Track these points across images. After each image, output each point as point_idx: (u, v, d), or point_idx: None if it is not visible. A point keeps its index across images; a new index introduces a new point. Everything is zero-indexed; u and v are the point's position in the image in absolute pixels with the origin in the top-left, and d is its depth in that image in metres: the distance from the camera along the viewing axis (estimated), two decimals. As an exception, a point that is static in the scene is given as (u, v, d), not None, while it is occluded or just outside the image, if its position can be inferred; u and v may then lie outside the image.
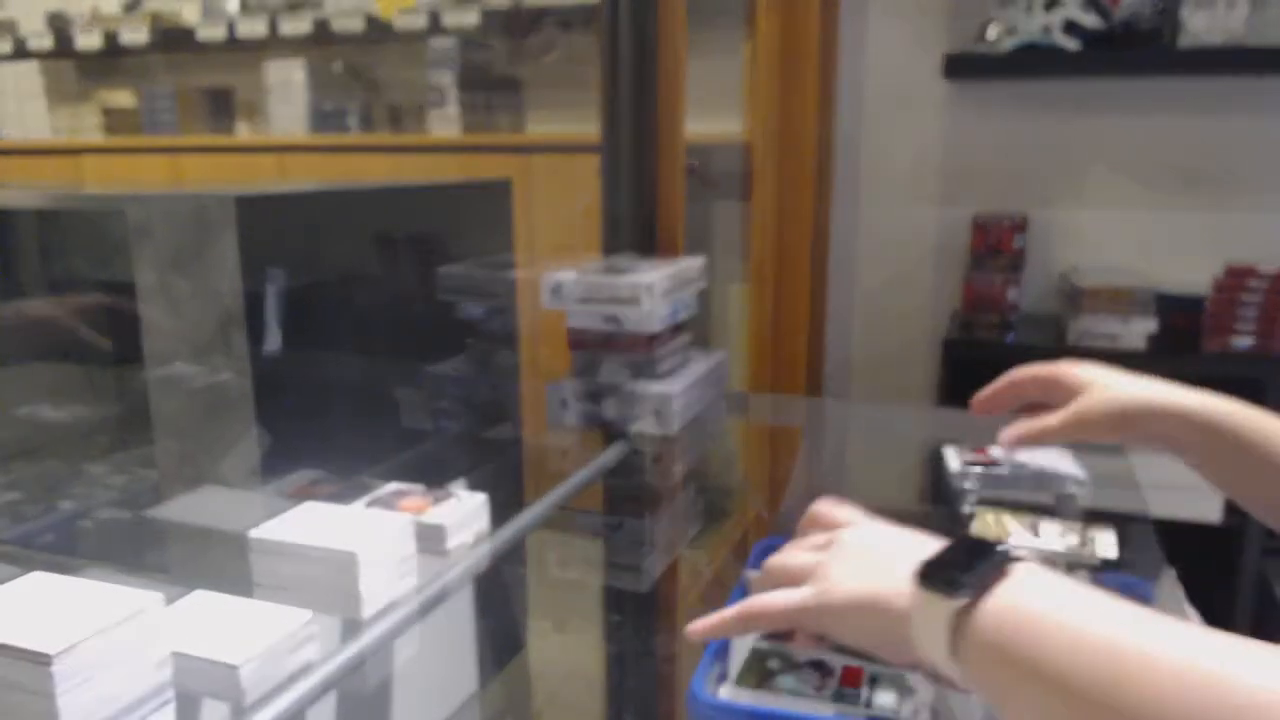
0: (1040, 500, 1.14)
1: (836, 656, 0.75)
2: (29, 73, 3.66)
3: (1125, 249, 2.64)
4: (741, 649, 0.78)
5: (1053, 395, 0.94)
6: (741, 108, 2.78)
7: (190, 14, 3.58)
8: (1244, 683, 0.41)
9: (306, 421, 1.06)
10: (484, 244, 1.41)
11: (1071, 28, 2.35)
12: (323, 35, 3.24)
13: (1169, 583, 0.81)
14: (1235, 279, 2.27)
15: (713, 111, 2.85)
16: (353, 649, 0.78)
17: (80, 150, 3.48)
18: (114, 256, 1.11)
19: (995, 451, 1.23)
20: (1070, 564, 0.92)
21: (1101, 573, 0.92)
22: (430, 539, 0.94)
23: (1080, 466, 1.19)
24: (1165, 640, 0.46)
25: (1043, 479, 1.17)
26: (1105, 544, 0.94)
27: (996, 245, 2.56)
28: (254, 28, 3.32)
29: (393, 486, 1.01)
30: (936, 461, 1.27)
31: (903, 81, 2.76)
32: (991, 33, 2.42)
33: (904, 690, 0.73)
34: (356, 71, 3.42)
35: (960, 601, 0.51)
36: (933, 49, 2.68)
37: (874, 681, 0.72)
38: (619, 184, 1.67)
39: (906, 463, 1.54)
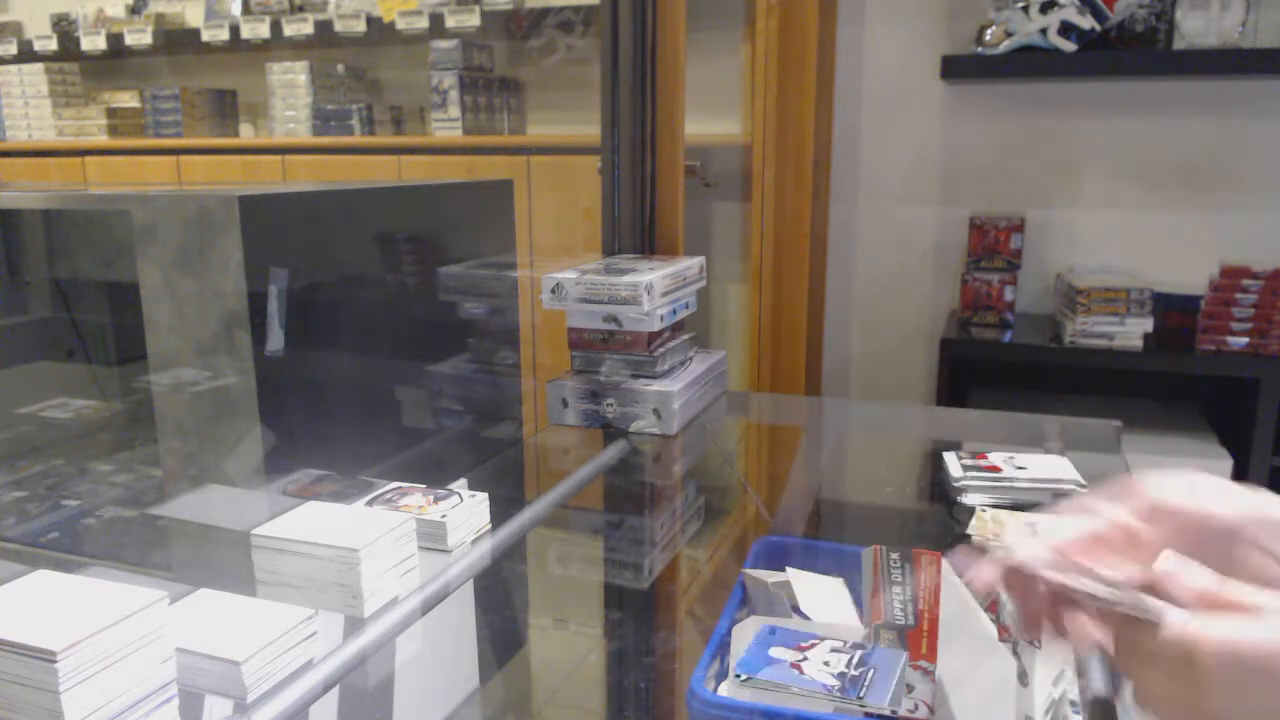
0: (1038, 501, 1.14)
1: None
2: (34, 74, 3.67)
3: (1121, 249, 2.65)
4: (743, 648, 0.79)
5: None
6: (741, 109, 2.79)
7: (194, 16, 3.59)
8: None
9: (309, 421, 1.07)
10: (485, 244, 1.41)
11: (1068, 30, 2.36)
12: (325, 37, 3.25)
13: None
14: (1230, 279, 2.28)
15: (713, 112, 2.86)
16: (354, 646, 0.79)
17: (85, 151, 3.50)
18: (119, 256, 1.12)
19: (993, 457, 1.23)
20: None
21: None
22: (431, 537, 0.95)
23: (1078, 468, 1.20)
24: None
25: (1041, 481, 1.17)
26: (1101, 542, 0.95)
27: (994, 245, 2.56)
28: (257, 30, 3.33)
29: (394, 485, 1.02)
30: (935, 461, 1.28)
31: (900, 83, 2.77)
32: (988, 35, 2.43)
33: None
34: (358, 73, 3.43)
35: None
36: (930, 51, 2.69)
37: (874, 674, 0.73)
38: (619, 184, 1.68)
39: (905, 461, 1.55)
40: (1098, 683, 0.64)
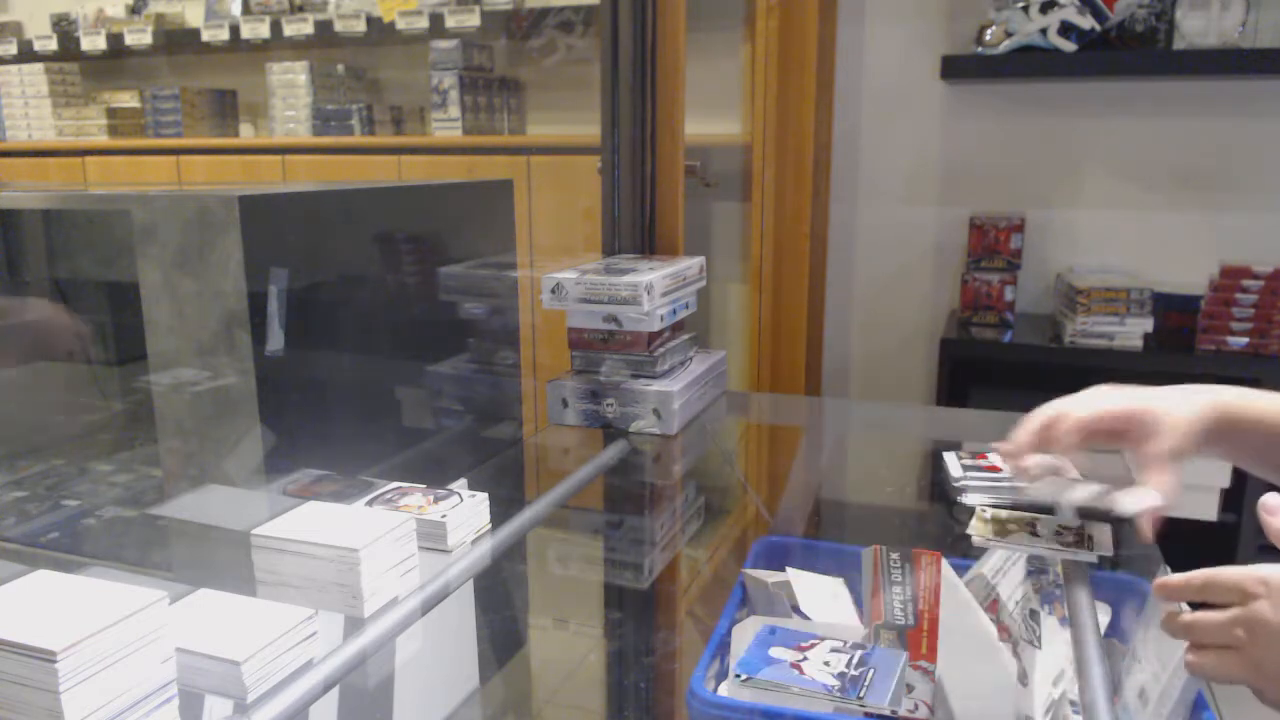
0: (1038, 500, 1.14)
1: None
2: (34, 74, 3.68)
3: (1121, 249, 2.65)
4: (743, 648, 0.79)
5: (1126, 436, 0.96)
6: (741, 109, 2.79)
7: (194, 16, 3.59)
8: None
9: (309, 421, 1.07)
10: (485, 244, 1.41)
11: (1068, 30, 2.36)
12: (325, 37, 3.25)
13: (1165, 580, 0.81)
14: (1230, 279, 2.28)
15: (713, 112, 2.86)
16: (354, 646, 0.79)
17: (85, 151, 3.50)
18: (119, 256, 1.12)
19: (994, 457, 1.23)
20: (1067, 562, 0.93)
21: (1098, 570, 0.92)
22: (431, 537, 0.94)
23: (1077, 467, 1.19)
24: None
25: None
26: (1102, 542, 0.95)
27: (994, 245, 2.57)
28: (257, 30, 3.33)
29: (394, 485, 1.02)
30: (935, 461, 1.28)
31: (900, 83, 2.77)
32: (989, 35, 2.43)
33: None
34: (358, 73, 3.43)
35: None
36: (930, 51, 2.69)
37: (874, 673, 0.73)
38: (619, 184, 1.68)
39: (905, 461, 1.55)
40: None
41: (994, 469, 1.20)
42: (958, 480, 1.18)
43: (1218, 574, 0.68)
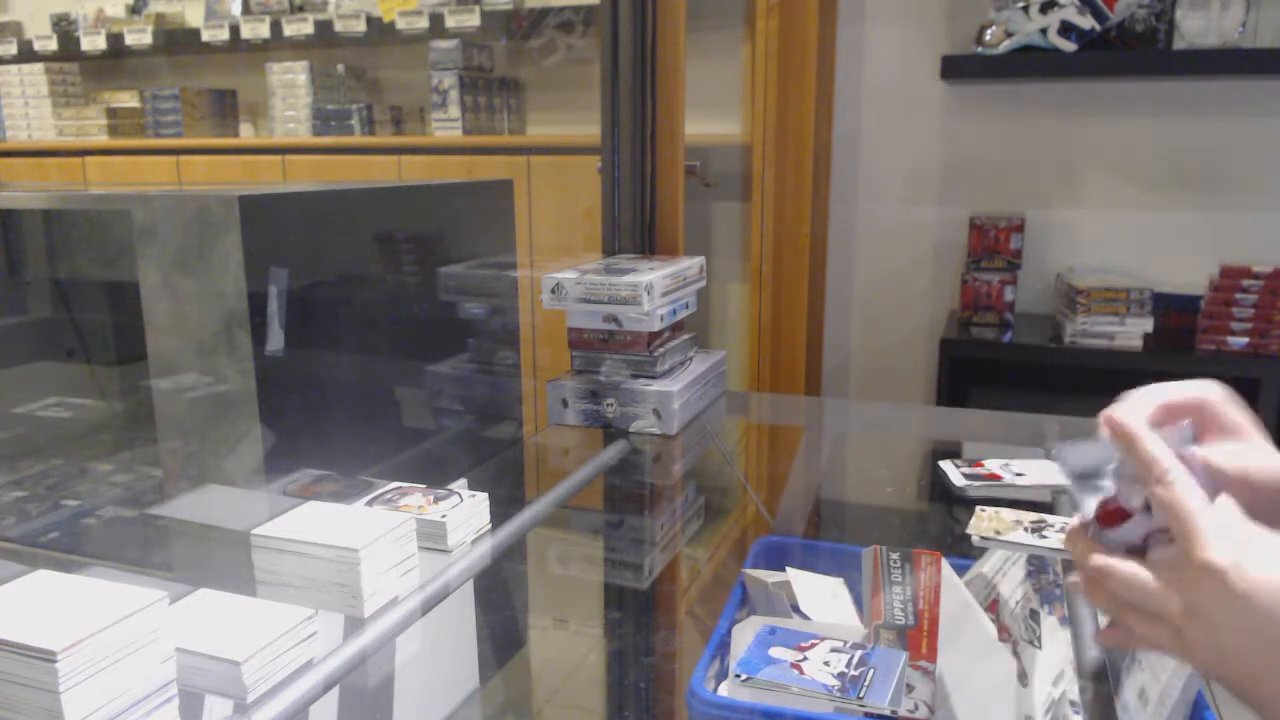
0: (1037, 499, 1.14)
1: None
2: (34, 74, 3.68)
3: (1121, 249, 2.65)
4: (743, 648, 0.79)
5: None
6: (741, 109, 2.79)
7: (194, 16, 3.59)
8: None
9: (309, 420, 1.07)
10: (485, 244, 1.41)
11: (1068, 30, 2.35)
12: (325, 37, 3.25)
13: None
14: (1230, 279, 2.28)
15: (713, 112, 2.86)
16: (354, 646, 0.79)
17: (85, 151, 3.50)
18: (119, 256, 1.12)
19: (990, 464, 1.24)
20: (1066, 561, 0.93)
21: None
22: (431, 537, 0.95)
23: None
24: None
25: (1040, 486, 1.17)
26: (1101, 542, 0.95)
27: (994, 245, 2.56)
28: (257, 30, 3.33)
29: (394, 485, 1.02)
30: (935, 461, 1.28)
31: (900, 83, 2.77)
32: (989, 35, 2.43)
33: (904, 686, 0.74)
34: (358, 73, 3.43)
35: None
36: (930, 51, 2.69)
37: (874, 673, 0.73)
38: (619, 184, 1.68)
39: (905, 462, 1.55)
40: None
41: (994, 477, 1.21)
42: (960, 489, 1.18)
43: (1146, 572, 0.57)
